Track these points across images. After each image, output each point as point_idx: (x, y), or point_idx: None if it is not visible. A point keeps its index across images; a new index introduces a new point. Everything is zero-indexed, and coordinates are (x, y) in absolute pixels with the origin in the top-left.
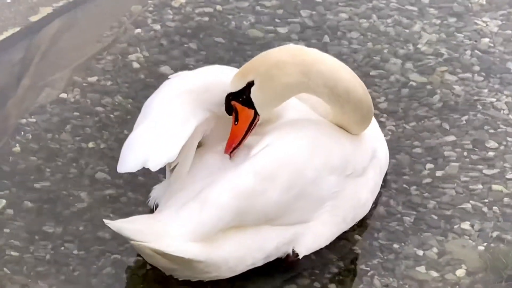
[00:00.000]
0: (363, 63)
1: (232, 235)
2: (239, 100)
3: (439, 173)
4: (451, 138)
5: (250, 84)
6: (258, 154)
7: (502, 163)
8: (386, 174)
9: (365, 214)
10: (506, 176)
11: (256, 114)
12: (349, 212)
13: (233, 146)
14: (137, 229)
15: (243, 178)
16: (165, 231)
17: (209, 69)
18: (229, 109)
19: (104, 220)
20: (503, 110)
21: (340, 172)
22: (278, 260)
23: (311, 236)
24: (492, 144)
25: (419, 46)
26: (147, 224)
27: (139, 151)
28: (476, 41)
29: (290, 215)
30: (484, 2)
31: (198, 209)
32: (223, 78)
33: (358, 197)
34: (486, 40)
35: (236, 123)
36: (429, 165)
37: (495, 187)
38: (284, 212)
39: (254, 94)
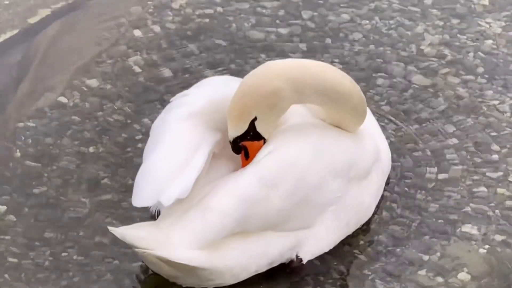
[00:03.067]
0: (365, 65)
1: (235, 242)
2: (247, 139)
3: (442, 177)
4: (454, 141)
5: (253, 120)
6: (262, 160)
7: (506, 166)
8: (388, 178)
9: (368, 217)
10: (510, 179)
11: (264, 141)
12: (352, 216)
13: None
14: (141, 236)
15: (246, 184)
16: (169, 239)
17: (212, 84)
18: (238, 150)
19: (108, 227)
20: (507, 112)
21: (343, 175)
22: (281, 266)
23: (315, 241)
24: (495, 147)
25: (422, 47)
26: (150, 231)
27: (153, 186)
28: (479, 42)
29: (294, 221)
30: (487, 3)
31: (201, 216)
32: (228, 93)
33: (361, 201)
34: (490, 41)
35: (247, 158)
36: (432, 169)
37: (499, 190)
38: (287, 218)
39: (261, 127)
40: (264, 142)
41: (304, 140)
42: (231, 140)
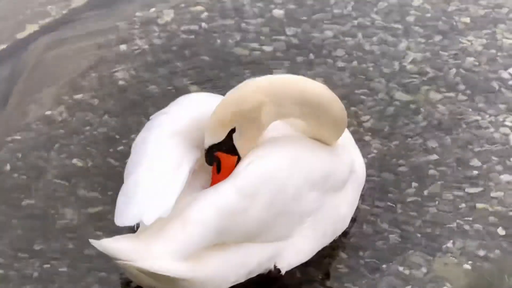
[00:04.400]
0: (348, 81)
1: (215, 252)
2: (222, 149)
3: (424, 192)
4: (435, 156)
5: (232, 131)
6: (241, 172)
7: (486, 182)
8: (371, 192)
9: (344, 228)
10: (491, 195)
11: (239, 158)
12: (329, 227)
13: None
14: (122, 248)
15: (225, 196)
16: (150, 250)
17: (190, 102)
18: (211, 160)
19: (89, 240)
20: (488, 129)
21: (320, 187)
22: (260, 276)
23: (293, 252)
24: (476, 162)
25: (404, 64)
26: (131, 243)
27: (135, 206)
28: (461, 60)
29: (272, 231)
30: (469, 21)
31: (181, 227)
32: (207, 110)
33: (338, 212)
34: (471, 59)
35: (218, 172)
36: (414, 184)
37: (479, 205)
38: (265, 229)
39: (238, 141)
40: (238, 160)
41: (282, 152)
42: (206, 147)
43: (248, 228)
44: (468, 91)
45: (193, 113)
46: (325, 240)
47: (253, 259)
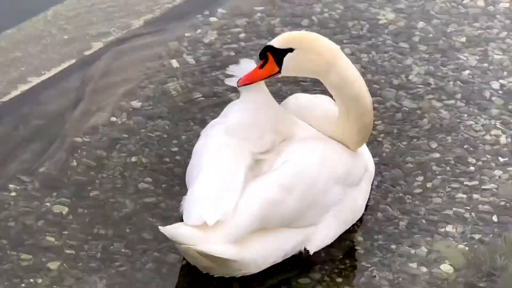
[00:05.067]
0: None
1: (258, 237)
2: (274, 54)
3: (428, 185)
4: (437, 155)
5: (290, 50)
6: (279, 169)
7: (480, 176)
8: (383, 184)
9: (360, 216)
10: (484, 187)
11: (279, 72)
12: (348, 215)
13: (246, 83)
14: (185, 234)
15: (268, 189)
16: (206, 236)
17: (241, 108)
18: (262, 55)
19: (159, 227)
20: (481, 131)
21: (342, 182)
22: (293, 257)
23: (320, 236)
24: (472, 160)
25: (410, 77)
26: (192, 230)
27: (200, 210)
28: (458, 73)
29: (304, 219)
30: (465, 40)
31: (232, 216)
32: (261, 118)
33: (356, 203)
34: (467, 72)
35: (260, 68)
36: (420, 178)
37: (475, 196)
38: (299, 217)
39: (287, 59)
40: (277, 73)
41: (313, 152)
42: (267, 44)
43: (285, 216)
44: (464, 99)
45: (246, 118)
46: (346, 226)
47: (289, 242)
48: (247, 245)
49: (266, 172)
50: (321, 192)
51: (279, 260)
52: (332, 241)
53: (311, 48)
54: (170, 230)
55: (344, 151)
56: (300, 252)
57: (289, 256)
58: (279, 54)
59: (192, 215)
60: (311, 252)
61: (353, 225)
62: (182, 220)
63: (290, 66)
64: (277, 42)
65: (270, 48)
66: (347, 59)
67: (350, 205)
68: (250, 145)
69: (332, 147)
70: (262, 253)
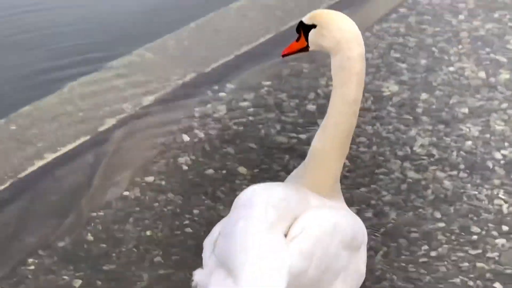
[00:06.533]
0: (370, 163)
1: None
2: (303, 30)
3: (432, 253)
4: (442, 224)
5: (314, 26)
6: (299, 237)
7: (484, 245)
8: (389, 253)
9: (362, 281)
10: (487, 255)
11: (308, 46)
12: (354, 281)
13: (286, 53)
14: None
15: (292, 260)
16: None
17: (264, 192)
18: (297, 30)
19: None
20: (484, 200)
21: (348, 247)
22: None
23: None
24: (475, 229)
25: (414, 148)
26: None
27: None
28: (461, 143)
29: (318, 286)
30: (467, 111)
31: None
32: (291, 194)
33: (358, 267)
34: (469, 142)
35: (296, 41)
36: (425, 247)
37: (478, 264)
38: (315, 284)
39: (310, 34)
40: (307, 47)
41: (326, 220)
42: (301, 20)
43: (305, 284)
44: (467, 170)
45: (271, 201)
46: None
47: None
48: None
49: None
50: (333, 256)
51: None
52: None
53: (327, 25)
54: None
55: (351, 216)
56: None
57: None
58: (306, 30)
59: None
60: None
61: None
62: None
63: (312, 41)
64: (304, 18)
65: (301, 24)
66: (360, 51)
67: (354, 270)
68: (285, 216)
69: (341, 213)
70: None
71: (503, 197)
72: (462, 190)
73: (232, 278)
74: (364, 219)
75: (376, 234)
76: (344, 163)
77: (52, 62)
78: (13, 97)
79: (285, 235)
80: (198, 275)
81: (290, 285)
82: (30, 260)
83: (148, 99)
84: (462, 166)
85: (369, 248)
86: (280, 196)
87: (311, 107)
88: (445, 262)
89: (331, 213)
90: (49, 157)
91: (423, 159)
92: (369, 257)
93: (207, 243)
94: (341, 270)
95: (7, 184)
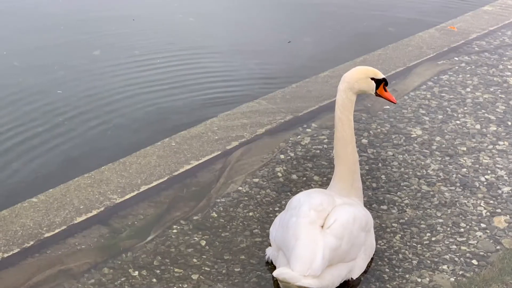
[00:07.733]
0: (398, 178)
1: (327, 271)
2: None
3: (433, 239)
4: (441, 220)
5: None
6: (332, 226)
7: (467, 235)
8: (404, 236)
9: (373, 252)
10: (469, 242)
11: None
12: (370, 251)
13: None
14: (287, 275)
15: (329, 240)
16: (300, 275)
17: (307, 197)
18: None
19: (275, 273)
20: (471, 207)
21: (364, 229)
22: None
23: (358, 267)
24: (463, 224)
25: (428, 171)
26: (288, 272)
27: (304, 263)
28: (459, 170)
29: (350, 256)
30: (465, 149)
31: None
32: (325, 198)
33: (372, 243)
34: (464, 169)
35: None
36: (428, 234)
37: (462, 247)
38: (348, 255)
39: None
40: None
41: (349, 212)
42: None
43: (341, 256)
44: (461, 187)
45: (314, 203)
46: (369, 259)
47: (344, 272)
48: (323, 277)
49: (325, 228)
50: (356, 237)
51: (337, 284)
52: (363, 270)
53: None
54: (283, 275)
55: (363, 209)
56: (348, 280)
57: (343, 281)
58: (377, 83)
59: (297, 266)
60: (354, 278)
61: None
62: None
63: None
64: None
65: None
66: (343, 86)
67: (369, 245)
68: (321, 214)
69: (358, 208)
70: (332, 280)
71: (483, 205)
72: (456, 199)
73: (286, 258)
74: (390, 214)
75: (396, 224)
76: (380, 178)
77: (203, 101)
78: (174, 123)
79: (322, 226)
80: (268, 251)
81: (332, 257)
82: (174, 226)
83: (260, 130)
84: (458, 184)
85: (390, 232)
86: (317, 200)
87: (364, 140)
88: (441, 244)
89: (351, 208)
90: (194, 163)
91: (433, 178)
92: (390, 239)
93: (272, 229)
94: (362, 244)
95: (165, 179)
